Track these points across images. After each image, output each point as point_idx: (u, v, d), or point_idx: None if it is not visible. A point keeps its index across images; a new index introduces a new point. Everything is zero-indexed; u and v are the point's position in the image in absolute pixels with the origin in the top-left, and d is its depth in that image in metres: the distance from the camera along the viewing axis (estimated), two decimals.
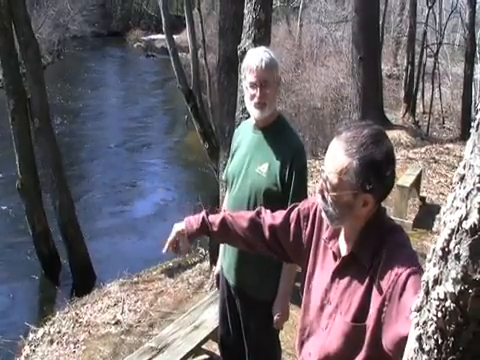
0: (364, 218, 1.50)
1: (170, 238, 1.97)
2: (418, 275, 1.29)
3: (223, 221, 1.93)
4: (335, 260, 1.58)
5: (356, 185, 1.43)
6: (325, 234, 1.63)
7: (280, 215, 1.83)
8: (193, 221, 1.96)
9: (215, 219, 1.95)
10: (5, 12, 6.48)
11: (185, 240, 1.96)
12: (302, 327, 1.71)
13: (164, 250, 1.99)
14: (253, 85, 2.37)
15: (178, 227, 1.97)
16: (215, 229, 1.93)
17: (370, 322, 1.42)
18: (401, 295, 1.31)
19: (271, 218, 1.85)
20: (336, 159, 1.46)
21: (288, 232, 1.79)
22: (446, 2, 19.66)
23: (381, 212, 1.53)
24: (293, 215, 1.79)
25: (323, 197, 1.52)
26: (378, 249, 1.45)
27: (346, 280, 1.52)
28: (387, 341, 1.34)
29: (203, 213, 1.97)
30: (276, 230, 1.82)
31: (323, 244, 1.64)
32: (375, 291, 1.42)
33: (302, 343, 1.70)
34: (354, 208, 1.47)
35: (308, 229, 1.73)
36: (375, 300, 1.41)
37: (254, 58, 2.38)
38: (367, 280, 1.46)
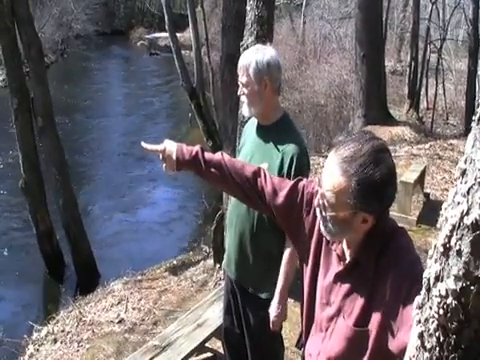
0: (364, 231, 1.46)
1: (158, 147, 1.86)
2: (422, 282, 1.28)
3: (218, 166, 1.83)
4: (339, 262, 1.54)
5: (354, 206, 1.39)
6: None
7: (280, 191, 1.73)
8: (186, 152, 1.84)
9: (210, 159, 1.85)
10: (8, 11, 6.47)
11: (172, 164, 1.85)
12: (305, 325, 1.69)
13: (145, 145, 1.87)
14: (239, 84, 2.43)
15: (169, 148, 1.84)
16: (207, 169, 1.83)
17: (373, 328, 1.40)
18: (405, 304, 1.28)
19: (271, 193, 1.75)
20: (333, 178, 1.40)
21: (288, 215, 1.72)
22: None
23: (383, 218, 1.46)
24: (296, 197, 1.70)
25: (321, 212, 1.48)
26: (381, 255, 1.42)
27: (349, 284, 1.49)
28: (393, 347, 1.33)
29: (198, 148, 1.86)
30: (274, 209, 1.75)
31: (325, 242, 1.59)
32: (378, 297, 1.39)
33: (306, 340, 1.69)
34: (353, 224, 1.43)
35: (310, 217, 1.66)
36: (378, 306, 1.39)
37: (241, 58, 2.42)
38: (370, 286, 1.43)
